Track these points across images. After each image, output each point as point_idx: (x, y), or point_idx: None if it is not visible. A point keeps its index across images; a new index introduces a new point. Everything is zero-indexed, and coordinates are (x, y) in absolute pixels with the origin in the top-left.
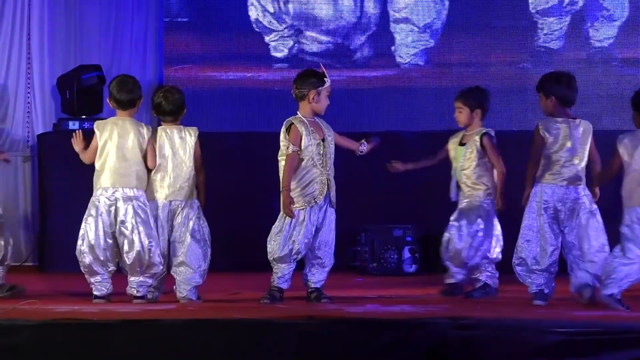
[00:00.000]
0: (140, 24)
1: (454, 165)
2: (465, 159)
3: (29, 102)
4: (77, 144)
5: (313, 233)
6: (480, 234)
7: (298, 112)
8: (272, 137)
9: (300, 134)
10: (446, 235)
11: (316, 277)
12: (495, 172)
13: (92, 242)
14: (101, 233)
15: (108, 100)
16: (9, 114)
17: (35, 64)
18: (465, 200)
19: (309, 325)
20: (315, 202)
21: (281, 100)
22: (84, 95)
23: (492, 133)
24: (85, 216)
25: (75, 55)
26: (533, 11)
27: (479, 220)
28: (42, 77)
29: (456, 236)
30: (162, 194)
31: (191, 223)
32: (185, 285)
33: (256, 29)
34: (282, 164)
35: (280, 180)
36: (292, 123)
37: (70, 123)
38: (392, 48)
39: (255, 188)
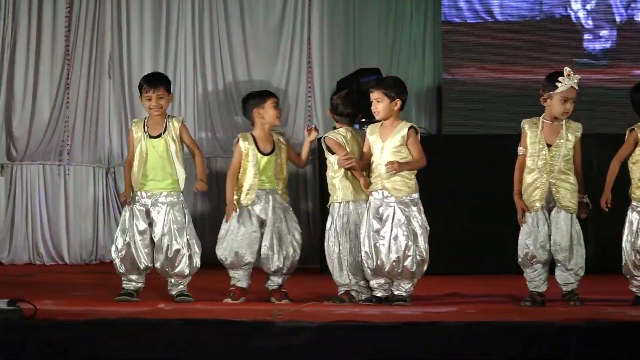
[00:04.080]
0: (419, 25)
1: None
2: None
3: (309, 106)
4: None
5: (545, 237)
6: None
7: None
8: None
9: (525, 135)
10: None
11: (562, 280)
12: None
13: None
14: None
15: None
16: (289, 119)
17: (315, 68)
18: None
19: (588, 328)
20: (536, 207)
21: None
22: (363, 99)
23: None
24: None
25: (354, 58)
26: None
27: None
28: (322, 81)
29: None
30: None
31: None
32: None
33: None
34: None
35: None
36: (524, 125)
37: None
38: None
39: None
